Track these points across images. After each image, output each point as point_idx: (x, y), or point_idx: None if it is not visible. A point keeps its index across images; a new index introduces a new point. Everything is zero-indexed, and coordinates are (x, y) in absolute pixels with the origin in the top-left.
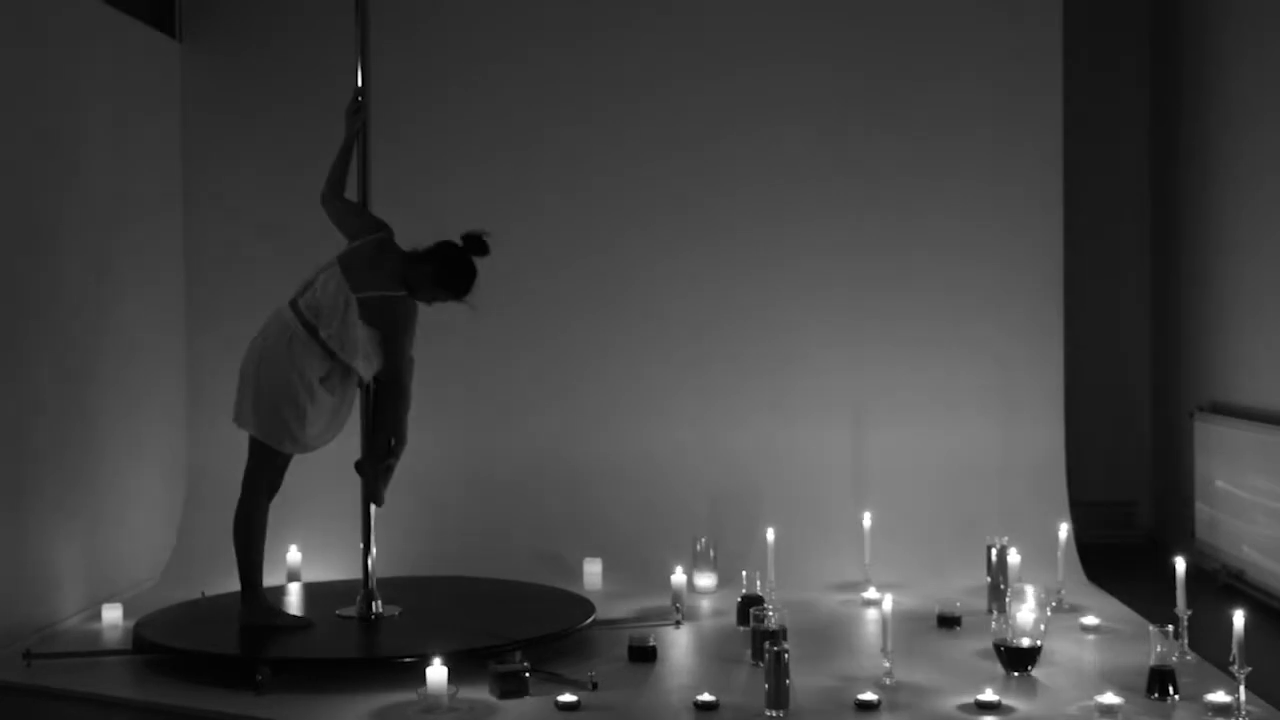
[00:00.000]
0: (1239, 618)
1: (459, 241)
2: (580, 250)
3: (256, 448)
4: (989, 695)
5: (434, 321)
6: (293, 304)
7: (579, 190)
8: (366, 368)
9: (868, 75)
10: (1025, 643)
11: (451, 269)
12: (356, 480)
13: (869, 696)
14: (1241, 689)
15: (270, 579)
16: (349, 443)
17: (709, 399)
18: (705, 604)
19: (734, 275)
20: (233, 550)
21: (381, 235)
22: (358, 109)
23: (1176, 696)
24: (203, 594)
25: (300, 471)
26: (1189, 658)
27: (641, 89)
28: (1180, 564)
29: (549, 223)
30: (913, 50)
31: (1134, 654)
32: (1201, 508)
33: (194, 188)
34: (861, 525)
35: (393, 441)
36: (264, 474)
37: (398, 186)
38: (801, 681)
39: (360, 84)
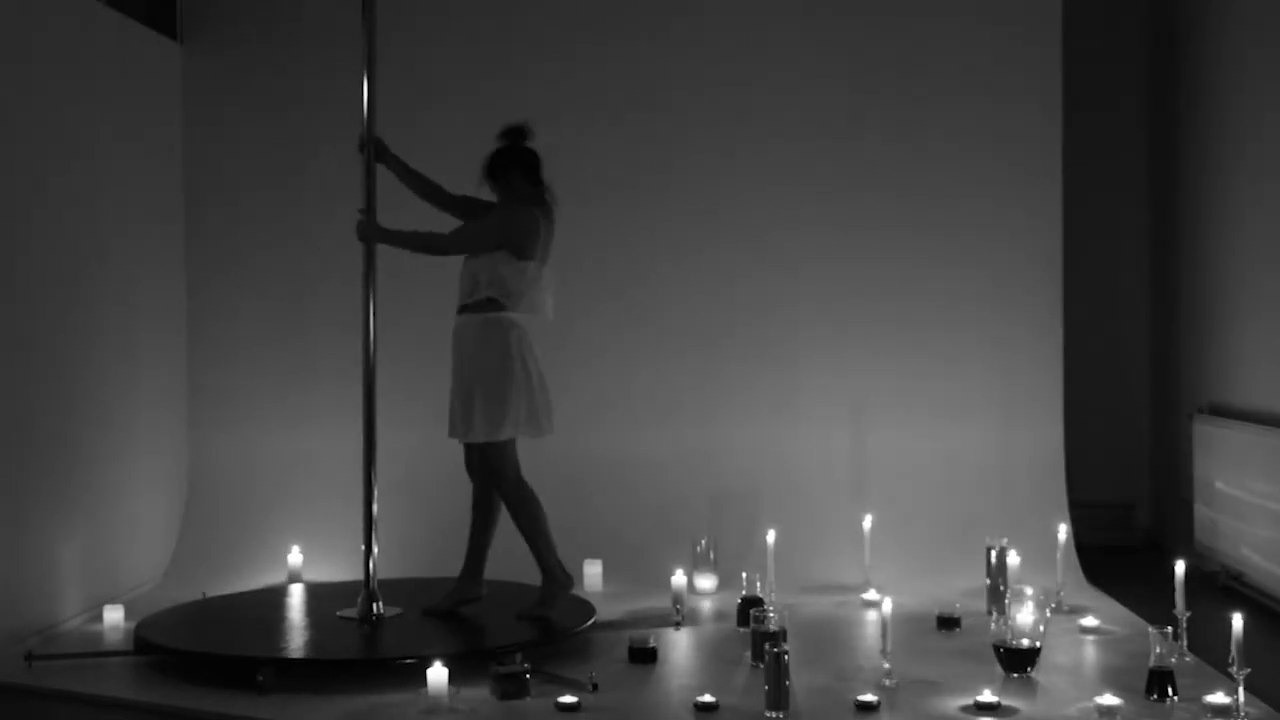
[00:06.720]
0: (1238, 619)
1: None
2: (581, 251)
3: (493, 450)
4: (988, 696)
5: (430, 321)
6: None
7: (580, 192)
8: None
9: (871, 84)
10: (1024, 644)
11: (512, 153)
12: (358, 482)
13: (869, 698)
14: (1240, 690)
15: (271, 579)
16: (348, 444)
17: (709, 400)
18: (706, 605)
19: (734, 277)
20: (235, 552)
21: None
22: (363, 143)
23: (1175, 698)
24: (204, 595)
25: (301, 472)
26: (1188, 659)
27: (648, 96)
28: (1180, 565)
29: None
30: (913, 60)
31: (1133, 655)
32: (1201, 509)
33: (194, 189)
34: (861, 527)
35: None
36: (511, 461)
37: (399, 186)
38: (801, 682)
39: (365, 90)
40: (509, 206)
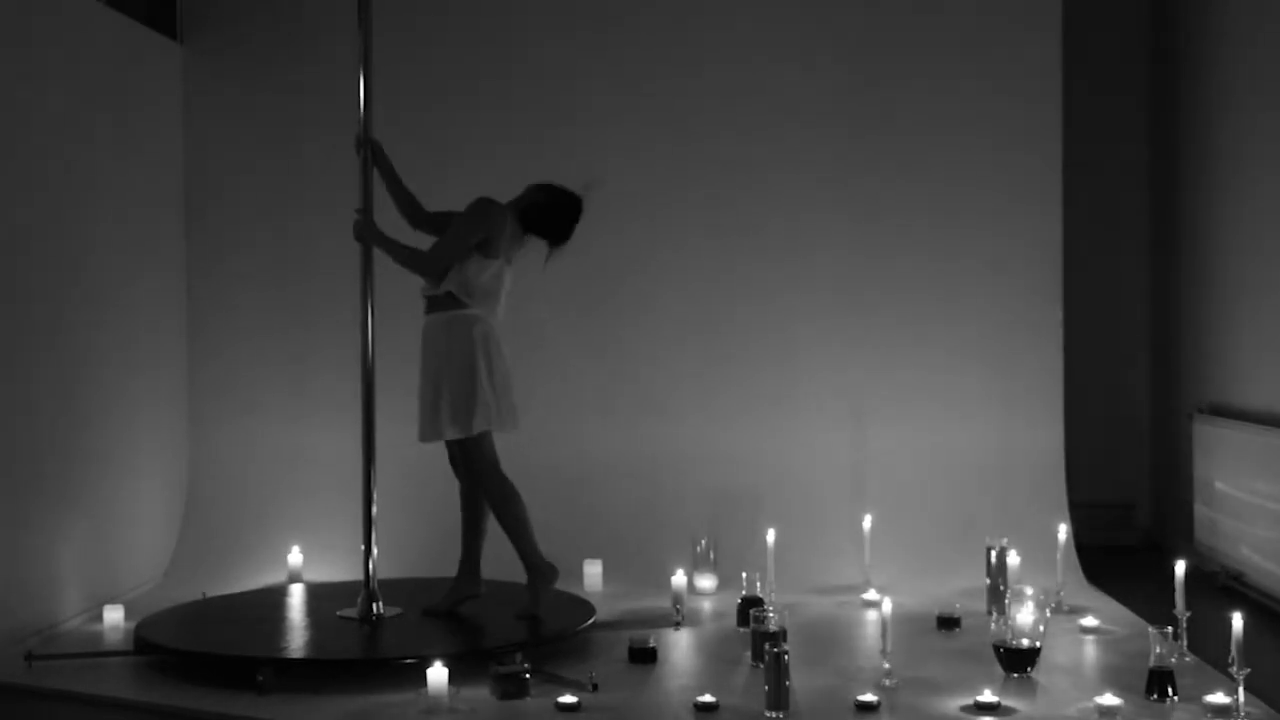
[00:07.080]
0: (1238, 619)
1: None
2: (578, 249)
3: (470, 445)
4: (988, 696)
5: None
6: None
7: (579, 183)
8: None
9: (871, 77)
10: (1024, 644)
11: (560, 202)
12: (358, 482)
13: (869, 697)
14: (1240, 690)
15: (271, 579)
16: (349, 440)
17: (709, 400)
18: (705, 605)
19: (734, 277)
20: (235, 552)
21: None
22: (360, 144)
23: (1175, 698)
24: (204, 594)
25: (302, 469)
26: (1188, 659)
27: (644, 87)
28: (1180, 566)
29: None
30: (914, 53)
31: (1133, 655)
32: (1201, 509)
33: (194, 188)
34: (861, 527)
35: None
36: (488, 456)
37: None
38: (801, 683)
39: (362, 90)
40: (477, 203)
